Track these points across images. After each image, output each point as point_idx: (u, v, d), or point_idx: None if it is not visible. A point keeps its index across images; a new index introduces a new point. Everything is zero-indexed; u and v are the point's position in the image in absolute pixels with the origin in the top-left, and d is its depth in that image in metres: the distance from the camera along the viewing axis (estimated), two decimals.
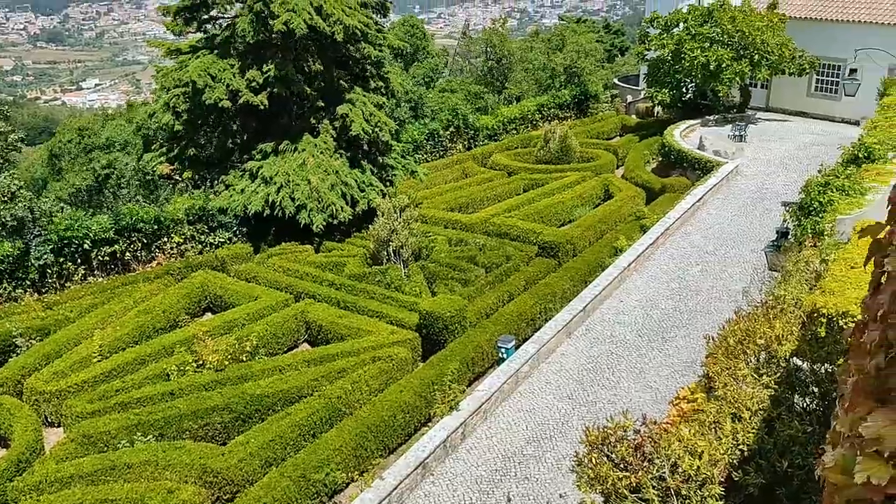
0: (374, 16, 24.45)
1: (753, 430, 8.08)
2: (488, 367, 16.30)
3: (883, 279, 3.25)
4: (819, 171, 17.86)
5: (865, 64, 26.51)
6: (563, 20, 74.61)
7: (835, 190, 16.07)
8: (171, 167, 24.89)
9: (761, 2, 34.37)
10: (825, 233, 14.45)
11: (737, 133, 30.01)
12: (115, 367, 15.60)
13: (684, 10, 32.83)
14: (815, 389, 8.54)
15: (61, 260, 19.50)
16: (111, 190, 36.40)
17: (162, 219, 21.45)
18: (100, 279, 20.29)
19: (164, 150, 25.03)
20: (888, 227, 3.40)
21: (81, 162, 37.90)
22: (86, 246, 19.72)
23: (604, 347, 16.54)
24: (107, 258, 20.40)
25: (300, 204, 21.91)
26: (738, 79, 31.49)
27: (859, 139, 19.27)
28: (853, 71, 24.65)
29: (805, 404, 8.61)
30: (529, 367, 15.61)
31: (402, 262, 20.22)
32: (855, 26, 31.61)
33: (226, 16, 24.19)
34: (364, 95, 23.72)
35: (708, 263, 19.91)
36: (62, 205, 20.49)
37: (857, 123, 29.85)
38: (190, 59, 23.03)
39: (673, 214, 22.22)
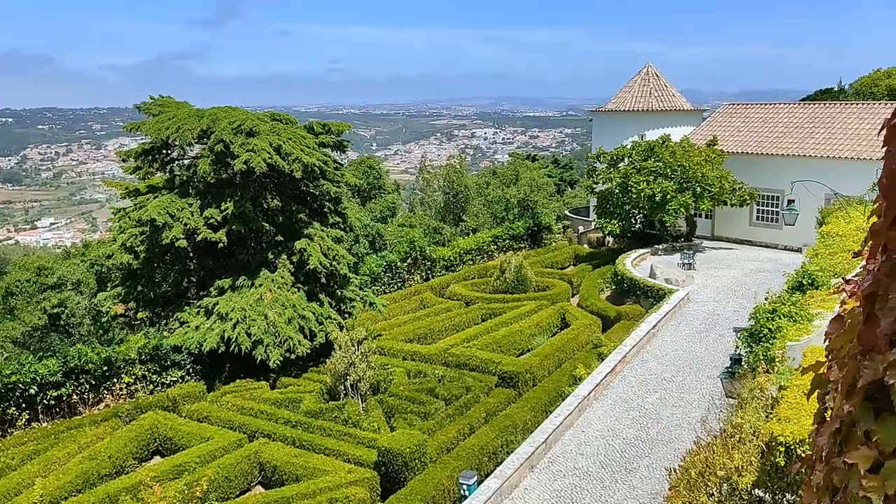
0: (332, 153, 25.21)
1: None
2: None
3: (827, 415, 3.34)
4: (766, 298, 18.32)
5: (803, 194, 27.87)
6: (512, 157, 77.72)
7: (782, 316, 16.45)
8: (126, 307, 24.56)
9: (700, 139, 36.38)
10: (776, 359, 14.67)
11: (686, 261, 30.94)
12: None
13: (628, 146, 34.49)
14: None
15: (4, 405, 18.78)
16: (62, 330, 35.58)
17: (113, 359, 20.93)
18: (44, 424, 19.49)
19: (118, 289, 24.77)
20: (826, 363, 3.53)
21: (36, 301, 37.24)
22: (31, 391, 19.08)
23: (567, 481, 16.17)
24: (52, 402, 19.70)
25: (256, 339, 21.66)
26: (683, 209, 32.78)
27: (802, 266, 19.94)
28: (791, 202, 25.86)
29: None
30: None
31: (359, 397, 19.87)
32: (789, 160, 33.51)
33: (186, 157, 24.69)
34: (322, 230, 24.07)
35: (666, 391, 19.94)
36: (3, 351, 19.96)
37: (799, 250, 31.02)
38: (149, 199, 23.25)
39: (629, 342, 22.43)
